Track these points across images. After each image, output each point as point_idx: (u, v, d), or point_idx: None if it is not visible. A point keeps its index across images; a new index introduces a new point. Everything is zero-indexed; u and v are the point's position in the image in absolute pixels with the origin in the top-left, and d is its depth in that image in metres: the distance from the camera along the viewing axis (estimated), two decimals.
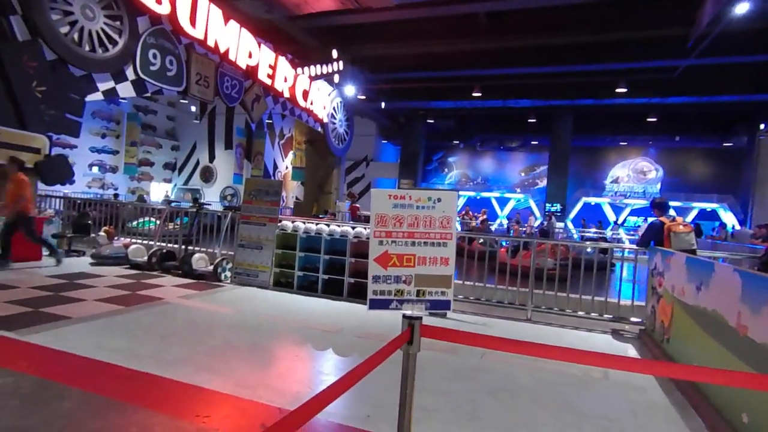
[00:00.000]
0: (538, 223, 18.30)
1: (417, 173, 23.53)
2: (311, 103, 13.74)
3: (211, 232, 8.36)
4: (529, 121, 21.26)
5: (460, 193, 24.29)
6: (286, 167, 21.04)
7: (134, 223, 9.54)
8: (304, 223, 6.94)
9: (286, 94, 12.48)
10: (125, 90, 8.76)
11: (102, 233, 7.67)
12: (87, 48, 7.95)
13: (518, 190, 24.62)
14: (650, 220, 5.65)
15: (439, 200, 1.78)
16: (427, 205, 1.79)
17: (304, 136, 18.11)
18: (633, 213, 21.66)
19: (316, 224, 6.90)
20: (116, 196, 17.30)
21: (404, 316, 1.64)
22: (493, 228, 17.95)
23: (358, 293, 6.30)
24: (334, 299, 6.29)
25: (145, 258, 7.30)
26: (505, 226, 19.60)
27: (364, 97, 17.42)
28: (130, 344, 3.86)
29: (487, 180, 25.36)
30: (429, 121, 22.83)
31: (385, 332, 4.71)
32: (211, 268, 6.97)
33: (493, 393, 3.35)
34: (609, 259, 7.10)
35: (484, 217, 17.04)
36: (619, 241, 16.93)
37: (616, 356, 1.72)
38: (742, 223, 18.61)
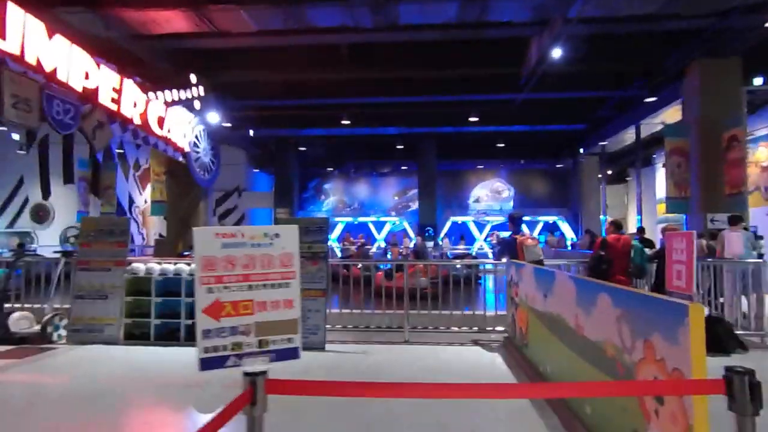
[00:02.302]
0: (413, 244, 19.19)
1: (293, 202, 23.08)
2: (169, 131, 12.55)
3: (41, 284, 6.94)
4: (398, 147, 22.47)
5: (337, 219, 24.42)
6: (145, 201, 18.91)
7: None
8: (159, 263, 6.16)
9: (137, 121, 11.18)
10: None
11: None
12: None
13: (393, 213, 25.67)
14: (503, 234, 6.23)
15: (277, 236, 1.60)
16: (264, 242, 1.60)
17: (162, 166, 16.46)
18: (493, 228, 24.06)
19: (175, 263, 6.18)
20: None
21: (245, 374, 1.43)
22: (372, 251, 18.29)
23: None
24: None
25: None
26: (383, 248, 20.14)
27: (229, 125, 16.59)
28: None
29: (363, 205, 25.96)
30: (301, 148, 22.69)
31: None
32: (37, 328, 5.74)
33: (372, 427, 3.23)
34: (474, 273, 7.66)
35: (363, 241, 17.30)
36: (485, 255, 18.60)
37: (491, 384, 1.70)
38: (575, 231, 21.96)
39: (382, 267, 10.30)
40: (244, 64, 13.37)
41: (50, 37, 8.50)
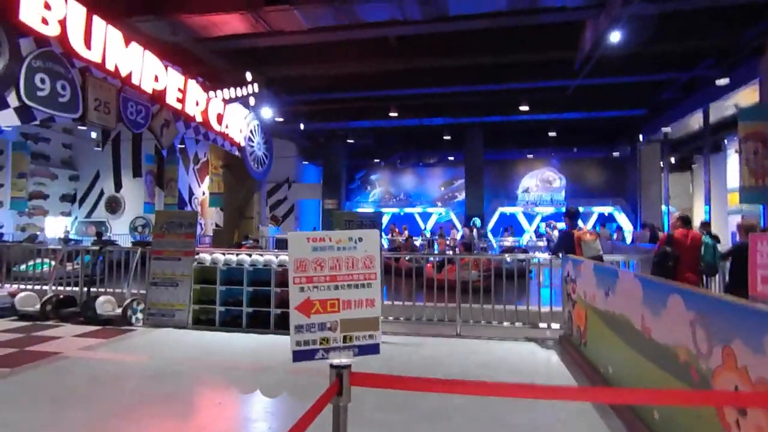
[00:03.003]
0: (459, 235, 19.03)
1: (340, 193, 23.50)
2: (226, 127, 13.20)
3: (119, 271, 7.59)
4: (444, 138, 22.24)
5: (383, 210, 24.63)
6: (203, 193, 19.95)
7: (23, 266, 8.37)
8: (224, 254, 6.56)
9: (199, 119, 11.86)
10: (7, 118, 7.74)
11: None
12: None
13: (439, 204, 25.52)
14: (559, 225, 6.08)
15: (360, 240, 1.74)
16: (349, 246, 1.73)
17: (220, 160, 17.32)
18: (543, 219, 23.36)
19: (237, 254, 6.56)
20: (0, 235, 15.19)
21: (331, 366, 1.56)
22: (418, 243, 18.34)
23: (285, 325, 6.02)
24: (261, 333, 5.97)
25: (38, 306, 6.42)
26: (428, 239, 20.09)
27: (282, 119, 17.13)
28: (13, 415, 3.32)
29: (409, 196, 25.99)
30: (349, 141, 23.01)
31: (315, 365, 4.54)
32: (119, 311, 6.31)
33: (430, 418, 3.34)
34: (527, 267, 7.52)
35: (407, 234, 17.38)
36: (534, 246, 18.13)
37: (561, 388, 1.75)
38: (633, 223, 20.89)
39: (431, 259, 10.35)
40: (295, 60, 13.73)
41: (127, 45, 9.18)
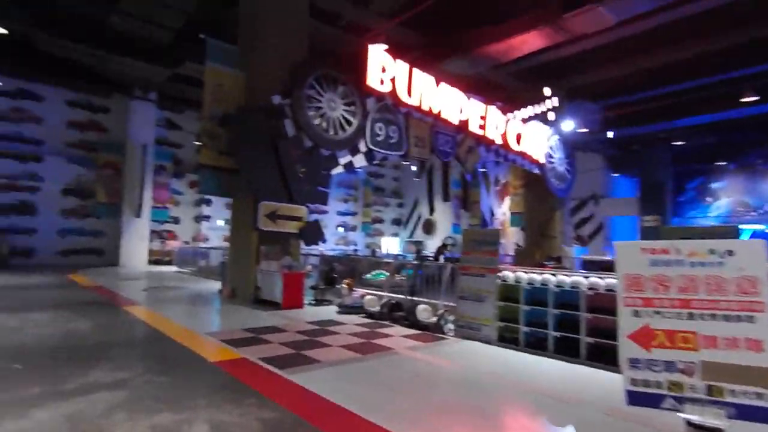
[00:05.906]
0: None
1: (665, 207, 19.67)
2: (526, 146, 13.27)
3: (434, 283, 8.58)
4: None
5: (741, 227, 18.86)
6: (503, 213, 20.65)
7: (368, 275, 10.66)
8: (526, 272, 6.40)
9: (499, 141, 12.40)
10: (359, 161, 10.21)
11: (344, 285, 8.83)
12: (332, 132, 9.65)
13: None
14: None
15: (730, 253, 1.18)
16: (709, 261, 1.20)
17: (520, 180, 17.53)
18: None
19: (541, 274, 6.26)
20: (356, 251, 20.03)
21: (689, 424, 1.08)
22: None
23: (599, 356, 5.29)
24: (569, 361, 5.43)
25: (377, 308, 7.96)
26: None
27: (585, 130, 15.89)
28: (363, 391, 4.13)
29: None
30: (676, 143, 19.09)
31: (642, 410, 3.69)
32: (434, 319, 7.06)
33: None
34: None
35: None
36: None
37: None
38: None
39: None
40: (598, 63, 12.53)
41: (437, 85, 10.65)
